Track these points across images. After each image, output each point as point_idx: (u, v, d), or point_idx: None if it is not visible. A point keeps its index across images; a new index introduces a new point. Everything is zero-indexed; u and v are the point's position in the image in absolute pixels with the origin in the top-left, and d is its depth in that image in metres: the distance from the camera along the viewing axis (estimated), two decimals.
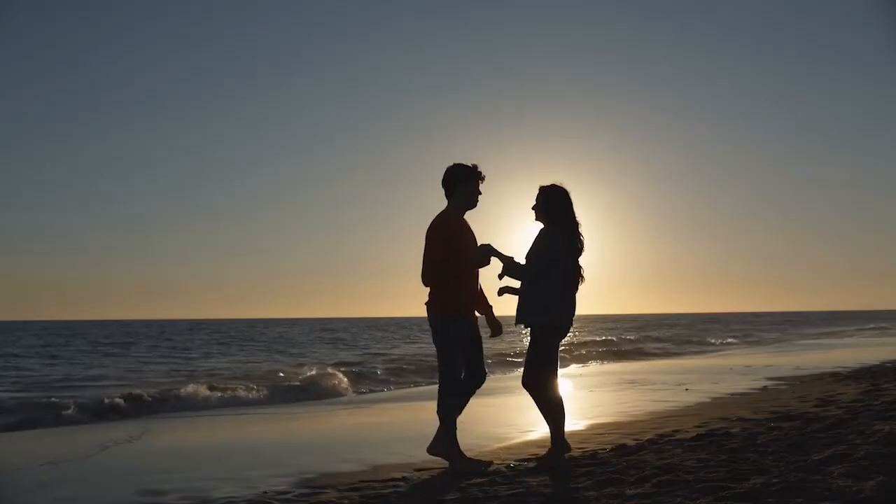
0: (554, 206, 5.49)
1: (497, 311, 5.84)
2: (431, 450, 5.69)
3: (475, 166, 5.57)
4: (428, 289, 5.59)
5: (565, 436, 5.60)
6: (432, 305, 5.56)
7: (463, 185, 5.53)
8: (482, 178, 5.58)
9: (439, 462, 6.04)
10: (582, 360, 23.40)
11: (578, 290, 5.59)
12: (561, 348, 5.83)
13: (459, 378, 5.60)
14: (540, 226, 5.59)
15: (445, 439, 5.59)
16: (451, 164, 5.60)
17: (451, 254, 5.44)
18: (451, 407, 5.58)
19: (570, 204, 5.52)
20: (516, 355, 22.23)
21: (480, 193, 5.61)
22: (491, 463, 5.76)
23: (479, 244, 5.60)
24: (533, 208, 5.58)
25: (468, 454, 5.75)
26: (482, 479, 5.17)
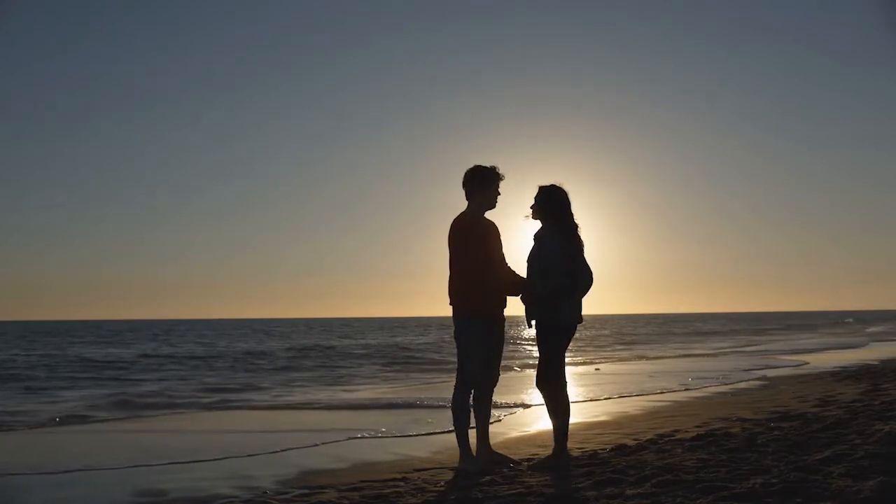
0: (553, 205, 5.51)
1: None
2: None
3: (495, 168, 5.63)
4: (449, 286, 5.58)
5: (567, 436, 5.59)
6: (455, 304, 5.56)
7: (483, 185, 5.60)
8: (502, 179, 5.65)
9: (439, 462, 6.04)
10: (584, 359, 23.39)
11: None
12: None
13: (476, 377, 5.57)
14: (536, 223, 5.60)
15: (457, 435, 5.59)
16: (472, 165, 5.66)
17: (474, 254, 5.47)
18: (461, 404, 5.57)
19: (569, 204, 5.53)
20: (515, 354, 22.22)
21: (499, 194, 5.68)
22: (512, 461, 5.70)
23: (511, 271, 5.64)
24: (532, 207, 5.59)
25: None
26: (483, 479, 5.17)
